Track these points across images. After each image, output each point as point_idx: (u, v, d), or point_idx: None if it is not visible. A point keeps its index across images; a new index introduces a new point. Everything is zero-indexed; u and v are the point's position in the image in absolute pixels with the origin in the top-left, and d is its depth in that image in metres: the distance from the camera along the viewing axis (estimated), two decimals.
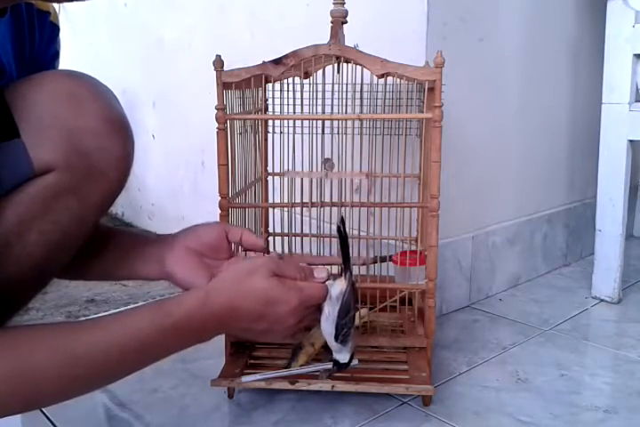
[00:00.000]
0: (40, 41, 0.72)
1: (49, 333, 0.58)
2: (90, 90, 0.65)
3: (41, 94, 0.63)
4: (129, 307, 0.65)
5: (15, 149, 0.61)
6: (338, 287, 0.71)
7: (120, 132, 0.66)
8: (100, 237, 0.78)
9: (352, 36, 0.91)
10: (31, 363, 0.55)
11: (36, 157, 0.61)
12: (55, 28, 0.74)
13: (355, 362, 0.76)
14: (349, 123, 0.97)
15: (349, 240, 0.77)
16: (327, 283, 0.71)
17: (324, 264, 0.76)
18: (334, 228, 0.93)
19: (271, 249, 1.11)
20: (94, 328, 0.60)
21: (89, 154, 0.63)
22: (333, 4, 0.88)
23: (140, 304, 0.65)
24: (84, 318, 1.25)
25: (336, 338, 0.72)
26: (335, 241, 0.92)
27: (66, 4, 2.06)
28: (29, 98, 0.63)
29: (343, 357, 0.75)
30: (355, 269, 0.97)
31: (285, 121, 0.98)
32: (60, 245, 0.66)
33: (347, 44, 0.87)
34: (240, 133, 0.94)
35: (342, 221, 0.75)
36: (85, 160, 0.63)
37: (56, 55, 0.76)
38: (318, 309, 0.71)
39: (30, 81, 0.65)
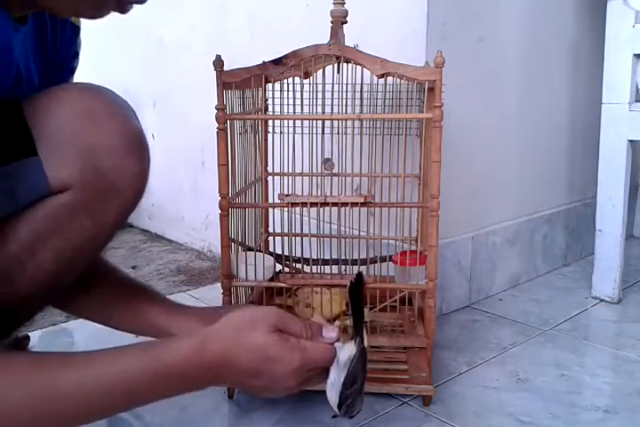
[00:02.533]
0: (61, 43, 0.72)
1: (29, 367, 0.55)
2: (107, 106, 0.64)
3: (59, 111, 0.62)
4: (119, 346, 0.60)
5: (32, 167, 0.61)
6: (347, 352, 0.63)
7: (137, 149, 0.65)
8: (105, 278, 0.78)
9: (352, 36, 0.91)
10: (7, 400, 0.52)
11: (52, 176, 0.61)
12: (76, 29, 0.74)
13: None
14: (349, 123, 0.97)
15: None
16: (336, 345, 0.64)
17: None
18: (334, 228, 0.93)
19: (271, 249, 1.11)
20: (79, 367, 0.56)
21: (106, 172, 0.63)
22: (333, 4, 0.88)
23: (130, 344, 0.60)
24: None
25: (339, 408, 0.65)
26: (335, 241, 0.93)
27: None
28: (47, 114, 0.62)
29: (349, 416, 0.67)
30: (354, 270, 0.97)
31: (285, 121, 0.98)
32: (72, 262, 0.66)
33: (347, 44, 0.87)
34: (240, 133, 0.94)
35: (360, 276, 0.66)
36: (102, 179, 0.63)
37: (75, 55, 0.77)
38: (326, 370, 0.64)
39: (48, 96, 0.64)
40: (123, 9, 0.62)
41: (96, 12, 0.61)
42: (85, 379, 0.55)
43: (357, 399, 0.65)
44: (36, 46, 0.67)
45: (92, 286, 0.77)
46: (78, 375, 0.55)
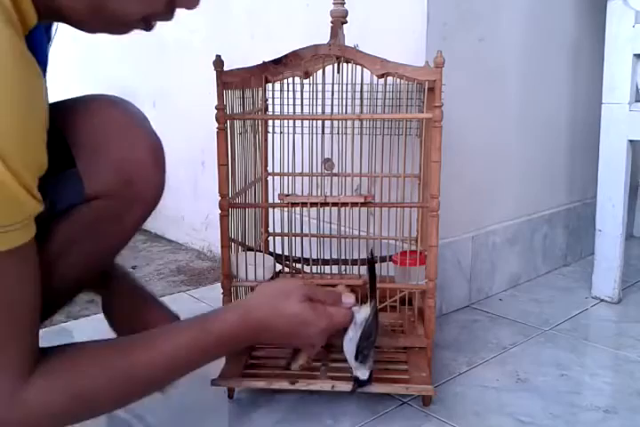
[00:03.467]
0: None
1: (106, 355, 0.62)
2: (134, 119, 0.69)
3: (91, 124, 0.67)
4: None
5: (73, 180, 0.66)
6: (363, 314, 0.78)
7: (160, 161, 0.72)
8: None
9: (352, 36, 0.91)
10: (92, 387, 0.59)
11: (88, 186, 0.66)
12: None
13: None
14: (349, 123, 0.97)
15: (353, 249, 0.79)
16: (353, 309, 0.78)
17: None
18: (334, 228, 0.93)
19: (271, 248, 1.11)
20: (148, 349, 0.64)
21: (135, 183, 0.68)
22: (333, 4, 0.88)
23: (183, 321, 0.71)
24: (84, 319, 1.25)
25: (356, 357, 0.79)
26: (335, 241, 0.93)
27: None
28: (82, 127, 0.67)
29: (362, 373, 0.81)
30: (354, 270, 0.98)
31: (285, 121, 0.98)
32: (96, 263, 0.71)
33: (347, 44, 0.87)
34: (240, 133, 0.94)
35: (372, 253, 0.82)
36: (130, 189, 0.67)
37: (48, 41, 0.77)
38: (344, 330, 0.79)
39: (80, 107, 0.68)
40: (149, 27, 0.64)
41: (124, 30, 0.63)
42: (156, 360, 0.63)
43: (371, 351, 0.80)
44: None
45: (108, 287, 0.81)
46: (149, 357, 0.63)
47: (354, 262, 0.98)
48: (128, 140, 0.67)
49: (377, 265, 0.83)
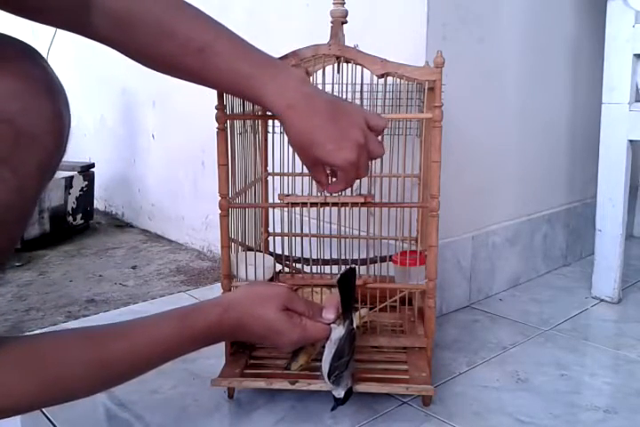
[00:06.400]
0: None
1: (81, 345, 0.63)
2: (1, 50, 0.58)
3: None
4: (151, 314, 0.72)
5: None
6: (337, 333, 0.78)
7: (47, 91, 0.59)
8: None
9: (352, 36, 0.91)
10: (66, 377, 0.61)
11: None
12: None
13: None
14: None
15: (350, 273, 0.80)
16: (332, 325, 0.78)
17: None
18: (334, 228, 0.93)
19: (273, 251, 1.11)
20: (126, 338, 0.66)
21: (13, 119, 0.56)
22: (333, 4, 0.88)
23: (164, 312, 0.73)
24: (84, 319, 1.26)
25: (328, 377, 0.78)
26: (335, 241, 0.93)
27: None
28: None
29: (338, 393, 0.80)
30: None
31: None
32: (4, 220, 0.59)
33: (347, 44, 0.87)
34: (240, 133, 0.94)
35: (352, 271, 0.79)
36: (10, 126, 0.56)
37: None
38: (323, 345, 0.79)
39: None
40: None
41: None
42: (131, 350, 0.65)
43: (345, 372, 0.78)
44: None
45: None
46: (124, 348, 0.65)
47: (354, 262, 0.98)
48: None
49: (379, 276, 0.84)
